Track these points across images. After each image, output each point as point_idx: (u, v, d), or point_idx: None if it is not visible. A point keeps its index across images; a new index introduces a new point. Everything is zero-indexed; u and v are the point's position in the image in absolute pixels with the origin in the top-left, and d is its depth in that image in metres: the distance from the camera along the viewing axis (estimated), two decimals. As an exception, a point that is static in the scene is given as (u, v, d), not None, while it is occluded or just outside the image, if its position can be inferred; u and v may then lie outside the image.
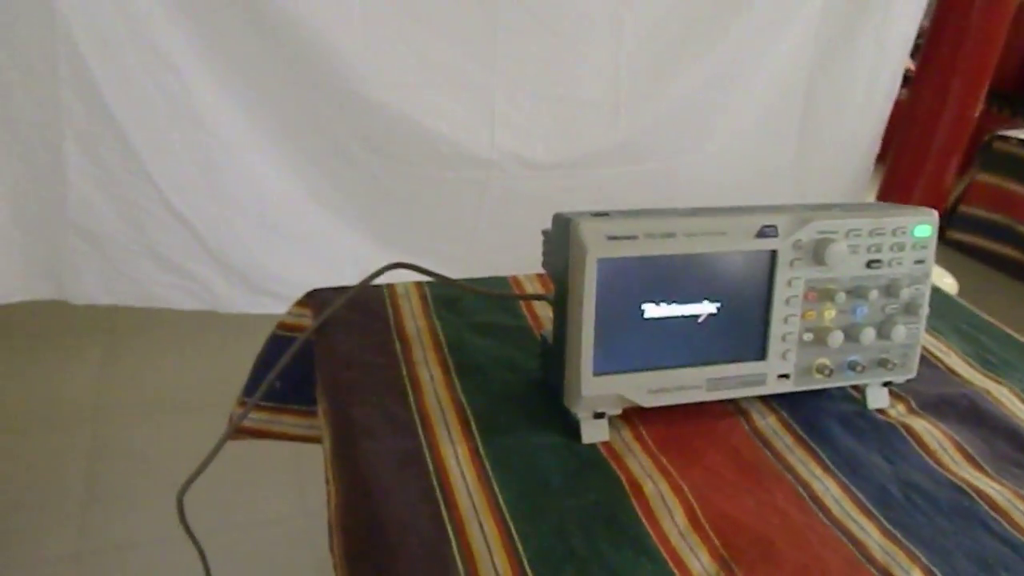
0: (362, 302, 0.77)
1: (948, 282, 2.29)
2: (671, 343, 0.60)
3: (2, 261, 1.54)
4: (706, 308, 0.60)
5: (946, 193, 2.39)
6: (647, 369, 0.59)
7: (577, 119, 1.61)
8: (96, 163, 1.48)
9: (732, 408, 0.66)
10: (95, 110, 1.43)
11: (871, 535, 0.54)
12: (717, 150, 1.78)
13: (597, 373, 0.58)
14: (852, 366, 0.64)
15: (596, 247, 0.55)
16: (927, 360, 0.75)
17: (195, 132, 1.49)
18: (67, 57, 1.38)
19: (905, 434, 0.65)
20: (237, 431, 0.84)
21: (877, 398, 0.68)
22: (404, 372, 0.67)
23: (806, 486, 0.58)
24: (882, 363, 0.65)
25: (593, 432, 0.61)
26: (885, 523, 0.55)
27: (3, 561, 1.30)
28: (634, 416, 0.63)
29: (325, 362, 0.69)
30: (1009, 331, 0.83)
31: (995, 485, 0.60)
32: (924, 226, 0.63)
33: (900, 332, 0.63)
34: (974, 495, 0.58)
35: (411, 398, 0.64)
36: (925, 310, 0.65)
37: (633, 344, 0.59)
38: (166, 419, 1.64)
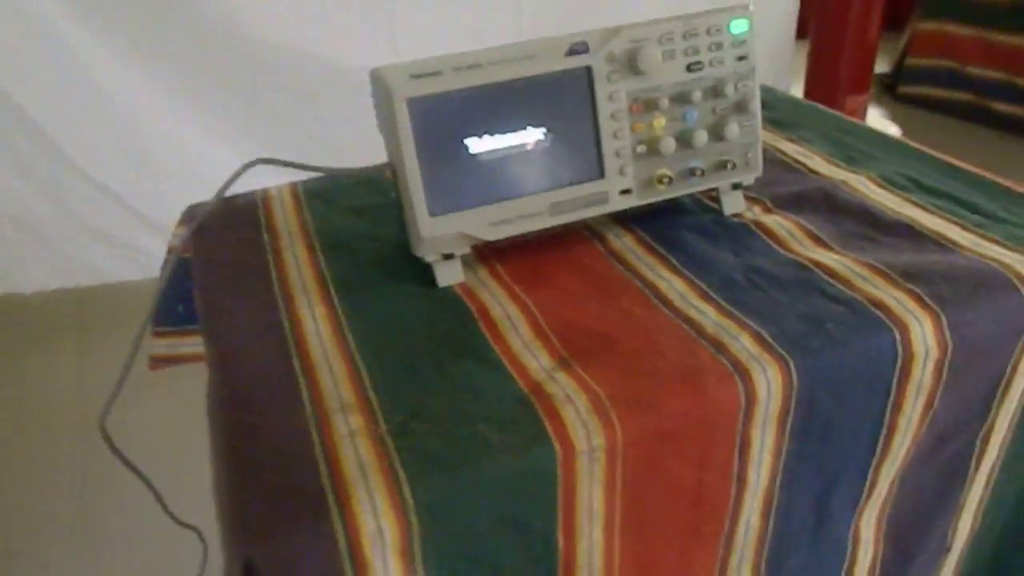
0: (235, 210, 0.78)
1: (893, 130, 2.29)
2: (506, 175, 0.61)
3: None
4: (532, 135, 0.61)
5: (873, 51, 2.36)
6: (485, 204, 0.61)
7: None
8: (11, 151, 1.48)
9: (588, 234, 0.68)
10: (-2, 99, 1.43)
11: (708, 315, 0.56)
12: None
13: (434, 214, 0.59)
14: (692, 172, 0.65)
15: (402, 87, 0.56)
16: (789, 165, 0.77)
17: (101, 103, 1.49)
18: None
19: (756, 229, 0.67)
20: (153, 360, 0.87)
21: (732, 203, 0.69)
22: (270, 259, 0.68)
23: (652, 287, 0.60)
24: (722, 165, 0.66)
25: (447, 274, 0.62)
26: (724, 304, 0.57)
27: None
28: (491, 255, 0.65)
29: (197, 265, 0.71)
30: (876, 128, 0.84)
31: (836, 257, 0.62)
32: (740, 21, 0.64)
33: (734, 130, 0.65)
34: (813, 267, 0.60)
35: (274, 278, 0.65)
36: (757, 106, 0.66)
37: (466, 181, 0.60)
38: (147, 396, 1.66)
